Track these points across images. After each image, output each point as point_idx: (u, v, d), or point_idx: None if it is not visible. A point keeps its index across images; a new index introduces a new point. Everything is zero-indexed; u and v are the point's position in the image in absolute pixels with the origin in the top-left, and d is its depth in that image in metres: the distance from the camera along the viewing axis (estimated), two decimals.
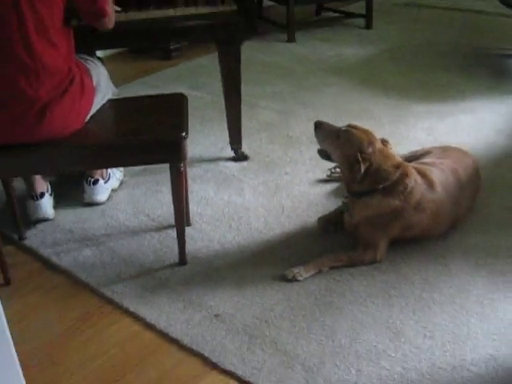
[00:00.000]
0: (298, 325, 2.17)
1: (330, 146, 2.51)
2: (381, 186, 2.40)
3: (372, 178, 2.40)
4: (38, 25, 2.18)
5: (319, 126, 2.55)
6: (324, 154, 2.58)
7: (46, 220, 2.78)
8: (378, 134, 2.49)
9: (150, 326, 2.22)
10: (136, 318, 2.26)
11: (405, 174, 2.42)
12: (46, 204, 2.77)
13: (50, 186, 2.86)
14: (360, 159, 2.36)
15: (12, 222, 2.70)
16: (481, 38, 5.00)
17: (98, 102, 2.50)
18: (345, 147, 2.43)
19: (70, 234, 2.73)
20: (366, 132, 2.46)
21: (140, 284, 2.41)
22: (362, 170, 2.36)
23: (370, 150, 2.40)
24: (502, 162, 3.15)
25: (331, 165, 2.94)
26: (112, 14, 2.41)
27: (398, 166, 2.43)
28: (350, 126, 2.49)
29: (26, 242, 2.69)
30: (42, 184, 2.80)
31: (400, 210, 2.41)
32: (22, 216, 2.72)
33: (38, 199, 2.74)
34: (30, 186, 2.77)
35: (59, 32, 2.27)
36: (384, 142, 2.49)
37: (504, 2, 4.26)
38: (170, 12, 2.76)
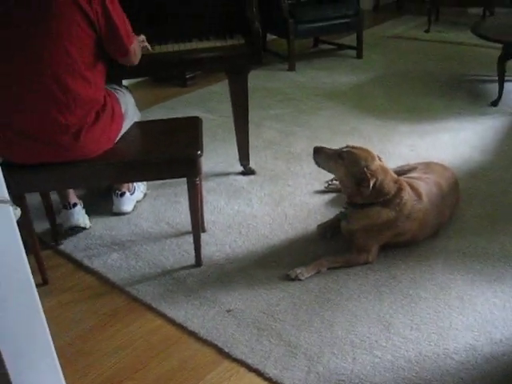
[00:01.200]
0: (300, 318, 2.17)
1: (333, 167, 2.42)
2: (382, 199, 2.37)
3: (375, 192, 2.35)
4: (68, 62, 2.14)
5: (319, 151, 2.46)
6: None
7: (78, 227, 2.75)
8: None
9: (170, 321, 2.21)
10: (158, 313, 2.25)
11: (401, 188, 2.39)
12: (79, 213, 2.75)
13: (81, 202, 2.83)
14: (369, 176, 2.31)
15: (49, 229, 2.71)
16: (457, 66, 5.00)
17: (126, 126, 2.48)
18: (350, 166, 2.35)
19: (99, 239, 2.73)
20: (367, 150, 2.40)
21: (161, 283, 2.40)
22: (371, 185, 2.31)
23: (374, 166, 2.35)
24: (478, 174, 3.13)
25: (328, 178, 2.94)
26: (138, 52, 2.40)
27: (395, 181, 2.40)
28: (349, 146, 2.42)
29: (62, 247, 2.70)
30: (74, 196, 2.78)
31: (395, 220, 2.38)
32: (58, 224, 2.72)
33: (70, 208, 2.73)
34: (64, 197, 2.75)
35: (90, 67, 2.22)
36: (379, 158, 2.43)
37: (476, 33, 4.26)
38: (186, 46, 2.78)
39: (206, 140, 2.62)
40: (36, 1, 2.10)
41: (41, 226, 2.74)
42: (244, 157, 3.24)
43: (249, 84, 3.02)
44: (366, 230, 2.41)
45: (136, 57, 2.40)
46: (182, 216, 2.86)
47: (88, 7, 2.13)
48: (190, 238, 2.52)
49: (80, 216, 2.76)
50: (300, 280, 2.35)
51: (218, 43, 2.81)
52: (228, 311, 2.23)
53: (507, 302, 2.18)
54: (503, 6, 6.25)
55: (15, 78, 2.15)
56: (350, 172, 2.37)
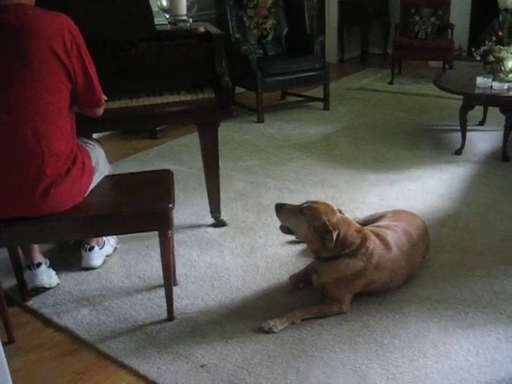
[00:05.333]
0: (275, 371, 2.14)
1: (296, 223, 2.44)
2: (347, 250, 2.39)
3: (339, 244, 2.38)
4: (44, 110, 2.13)
5: (281, 208, 2.48)
6: (287, 230, 2.52)
7: (42, 288, 2.66)
8: (338, 201, 2.50)
9: (142, 377, 2.15)
10: (130, 370, 2.19)
11: (365, 238, 2.43)
12: (43, 273, 2.67)
13: (47, 260, 2.77)
14: (331, 228, 2.34)
15: (16, 285, 2.64)
16: (420, 116, 5.18)
17: (96, 180, 2.47)
18: (312, 221, 2.38)
19: (69, 295, 2.67)
20: (327, 204, 2.44)
21: (133, 339, 2.35)
22: (334, 237, 2.34)
23: (335, 219, 2.39)
24: (446, 222, 3.20)
25: None
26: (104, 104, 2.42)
27: (359, 231, 2.44)
28: (309, 201, 2.46)
29: (29, 303, 2.62)
30: (38, 255, 2.71)
31: (363, 270, 2.40)
32: (25, 280, 2.65)
33: (34, 268, 2.66)
34: (28, 256, 2.69)
35: (64, 117, 2.21)
36: (339, 210, 2.47)
37: (438, 85, 4.44)
38: (157, 100, 2.81)
39: (176, 192, 2.62)
40: (13, 49, 2.09)
41: (7, 281, 2.68)
42: (215, 208, 3.25)
43: (219, 136, 3.05)
44: (337, 282, 2.41)
45: (103, 108, 2.42)
46: (153, 269, 2.83)
47: (66, 59, 2.14)
48: (162, 292, 2.48)
49: (44, 276, 2.68)
50: (274, 332, 2.33)
51: (189, 97, 2.84)
52: (202, 366, 2.18)
53: (480, 348, 2.19)
54: (461, 59, 6.56)
55: None
56: (313, 227, 2.39)
